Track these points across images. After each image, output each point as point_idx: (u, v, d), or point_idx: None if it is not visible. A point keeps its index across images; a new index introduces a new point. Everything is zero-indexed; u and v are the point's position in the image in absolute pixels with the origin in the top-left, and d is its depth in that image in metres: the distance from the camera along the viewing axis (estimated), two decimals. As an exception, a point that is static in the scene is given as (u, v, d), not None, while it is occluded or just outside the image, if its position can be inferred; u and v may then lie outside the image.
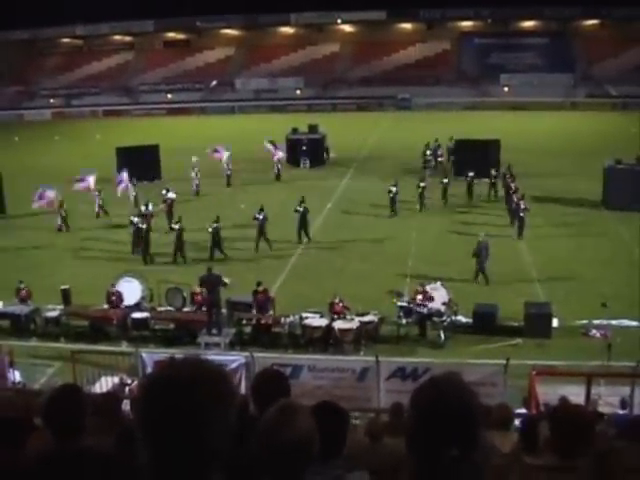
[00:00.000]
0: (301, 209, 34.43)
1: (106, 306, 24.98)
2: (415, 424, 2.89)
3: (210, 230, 32.26)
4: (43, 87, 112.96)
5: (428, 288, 24.06)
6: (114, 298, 24.89)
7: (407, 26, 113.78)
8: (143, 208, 35.65)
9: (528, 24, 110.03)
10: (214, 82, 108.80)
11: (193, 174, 45.74)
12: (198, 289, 24.48)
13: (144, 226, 32.98)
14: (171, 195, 39.12)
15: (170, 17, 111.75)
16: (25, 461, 4.30)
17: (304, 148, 53.37)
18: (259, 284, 24.45)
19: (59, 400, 4.49)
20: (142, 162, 49.08)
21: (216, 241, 32.37)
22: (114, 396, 9.46)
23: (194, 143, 56.18)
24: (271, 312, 24.11)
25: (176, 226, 32.68)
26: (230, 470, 2.73)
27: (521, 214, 34.31)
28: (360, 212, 40.01)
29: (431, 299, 23.46)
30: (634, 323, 23.54)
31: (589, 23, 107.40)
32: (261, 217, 33.65)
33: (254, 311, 24.08)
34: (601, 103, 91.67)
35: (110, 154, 50.94)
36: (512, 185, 38.76)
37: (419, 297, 23.62)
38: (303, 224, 34.73)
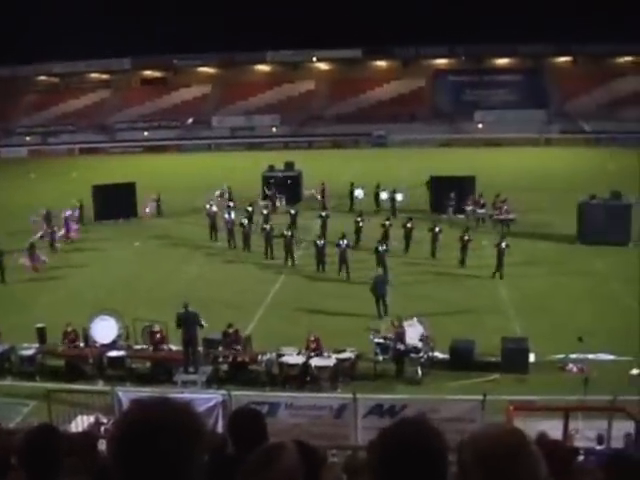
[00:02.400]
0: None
1: (63, 342, 24.86)
2: (375, 470, 2.86)
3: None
4: (19, 125, 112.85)
5: (405, 324, 24.06)
6: (72, 337, 24.77)
7: (382, 64, 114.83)
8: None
9: (502, 61, 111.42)
10: (190, 120, 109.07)
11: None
12: (157, 327, 24.48)
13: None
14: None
15: (146, 55, 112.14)
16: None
17: (280, 185, 53.62)
18: (230, 325, 24.40)
19: (35, 440, 4.47)
20: (118, 200, 49.21)
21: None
22: (90, 435, 9.38)
23: (171, 181, 56.19)
24: (239, 347, 23.97)
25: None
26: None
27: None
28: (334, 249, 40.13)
29: (402, 334, 23.44)
30: (610, 357, 23.64)
31: (562, 60, 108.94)
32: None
33: (220, 349, 24.00)
34: (575, 139, 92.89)
35: (86, 192, 50.93)
36: None
37: (392, 333, 23.62)
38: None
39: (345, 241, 35.14)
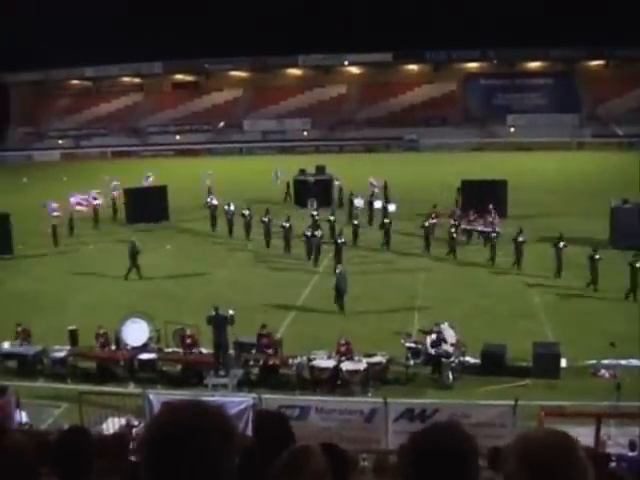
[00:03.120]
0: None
1: (96, 345, 24.98)
2: (406, 473, 2.85)
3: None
4: (52, 128, 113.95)
5: (442, 327, 24.01)
6: (102, 340, 24.87)
7: (413, 67, 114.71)
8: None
9: (533, 65, 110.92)
10: (222, 123, 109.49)
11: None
12: (189, 331, 24.52)
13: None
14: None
15: (178, 59, 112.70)
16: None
17: (311, 189, 53.94)
18: (264, 326, 24.42)
19: (66, 443, 4.50)
20: (150, 203, 49.54)
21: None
22: (122, 438, 9.44)
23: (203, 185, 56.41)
24: (271, 351, 23.93)
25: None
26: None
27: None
28: (367, 252, 40.20)
29: (444, 340, 23.40)
30: (643, 363, 23.43)
31: (594, 63, 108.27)
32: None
33: (253, 352, 23.98)
34: (607, 143, 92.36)
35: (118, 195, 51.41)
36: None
37: (432, 337, 23.53)
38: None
39: (319, 232, 38.77)
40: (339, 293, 30.30)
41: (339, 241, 36.93)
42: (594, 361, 23.49)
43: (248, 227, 44.27)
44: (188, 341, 24.43)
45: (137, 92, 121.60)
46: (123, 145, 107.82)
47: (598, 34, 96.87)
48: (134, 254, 36.75)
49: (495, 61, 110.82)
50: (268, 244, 42.01)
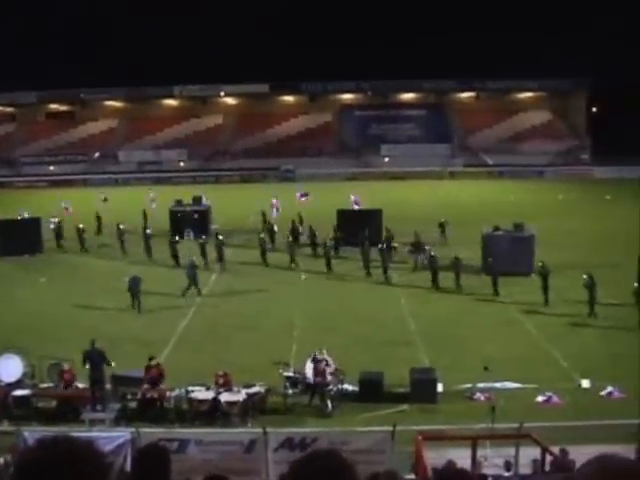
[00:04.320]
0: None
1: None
2: None
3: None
4: None
5: (320, 357, 24.10)
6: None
7: (289, 98, 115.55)
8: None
9: (407, 96, 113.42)
10: (97, 154, 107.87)
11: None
12: (66, 367, 24.02)
13: None
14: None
15: (53, 88, 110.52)
16: None
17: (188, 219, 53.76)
18: (151, 359, 24.12)
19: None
20: (23, 235, 48.35)
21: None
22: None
23: (78, 215, 55.42)
24: (163, 385, 23.66)
25: None
26: None
27: None
28: (244, 282, 40.17)
29: (325, 373, 23.48)
30: (516, 385, 24.12)
31: (465, 95, 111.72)
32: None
33: (145, 386, 23.59)
34: (478, 172, 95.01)
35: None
36: None
37: (328, 370, 23.57)
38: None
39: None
40: (134, 296, 34.85)
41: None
42: (469, 385, 24.06)
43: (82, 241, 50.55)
44: (66, 376, 23.92)
45: (9, 122, 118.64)
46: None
47: (469, 67, 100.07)
48: (193, 273, 37.64)
49: (369, 92, 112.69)
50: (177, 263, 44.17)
